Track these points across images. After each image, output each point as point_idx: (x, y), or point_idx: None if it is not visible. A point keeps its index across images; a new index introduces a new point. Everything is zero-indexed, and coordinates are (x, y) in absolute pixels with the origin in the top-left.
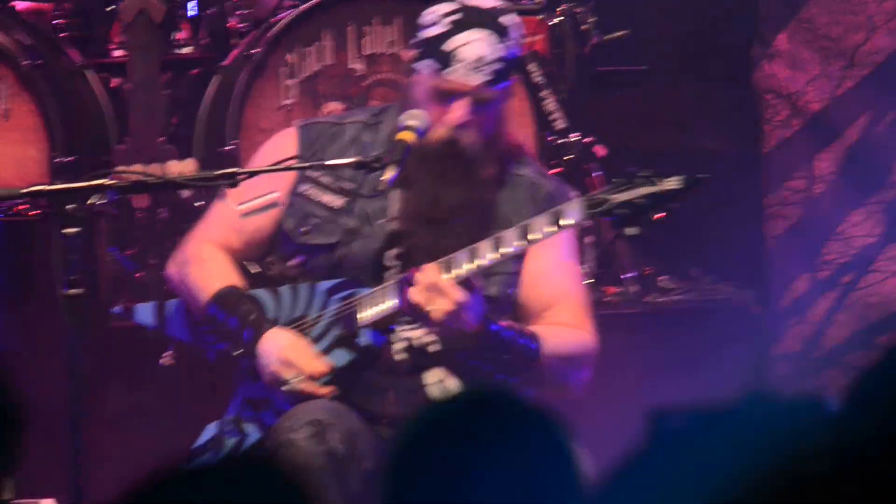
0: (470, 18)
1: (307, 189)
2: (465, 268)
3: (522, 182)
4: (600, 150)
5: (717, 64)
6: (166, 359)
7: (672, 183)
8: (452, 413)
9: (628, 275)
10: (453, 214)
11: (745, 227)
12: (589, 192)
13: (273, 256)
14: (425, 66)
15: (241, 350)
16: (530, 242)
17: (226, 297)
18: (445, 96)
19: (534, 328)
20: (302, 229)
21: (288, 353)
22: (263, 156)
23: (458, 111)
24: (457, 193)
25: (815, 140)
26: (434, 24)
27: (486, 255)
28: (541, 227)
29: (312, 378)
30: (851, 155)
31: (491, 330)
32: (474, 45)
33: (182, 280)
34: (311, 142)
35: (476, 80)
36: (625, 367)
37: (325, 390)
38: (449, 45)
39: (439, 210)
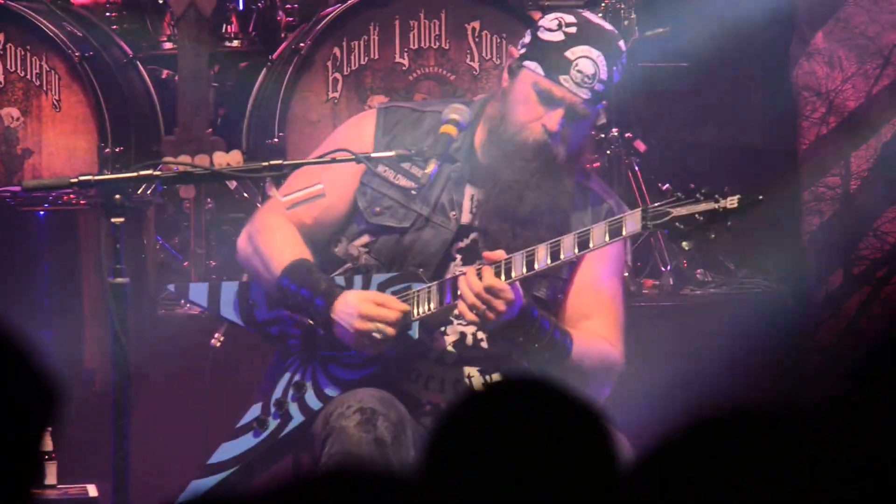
0: (590, 34)
1: (384, 171)
2: (522, 273)
3: (589, 195)
4: (640, 146)
5: (756, 61)
6: (216, 340)
7: (731, 202)
8: (491, 401)
9: (666, 268)
10: (533, 216)
11: (781, 222)
12: (631, 185)
13: (341, 234)
14: (533, 66)
15: (313, 320)
16: (587, 250)
17: (296, 269)
18: (548, 100)
19: (569, 329)
20: (376, 209)
21: (364, 308)
22: (341, 135)
23: (557, 118)
24: (540, 197)
25: (850, 137)
26: (554, 30)
27: (544, 260)
28: (599, 236)
29: (394, 325)
30: (886, 152)
31: (531, 314)
32: (589, 62)
33: (254, 250)
34: (391, 126)
35: (582, 94)
36: (662, 358)
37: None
38: (569, 53)
39: (522, 209)
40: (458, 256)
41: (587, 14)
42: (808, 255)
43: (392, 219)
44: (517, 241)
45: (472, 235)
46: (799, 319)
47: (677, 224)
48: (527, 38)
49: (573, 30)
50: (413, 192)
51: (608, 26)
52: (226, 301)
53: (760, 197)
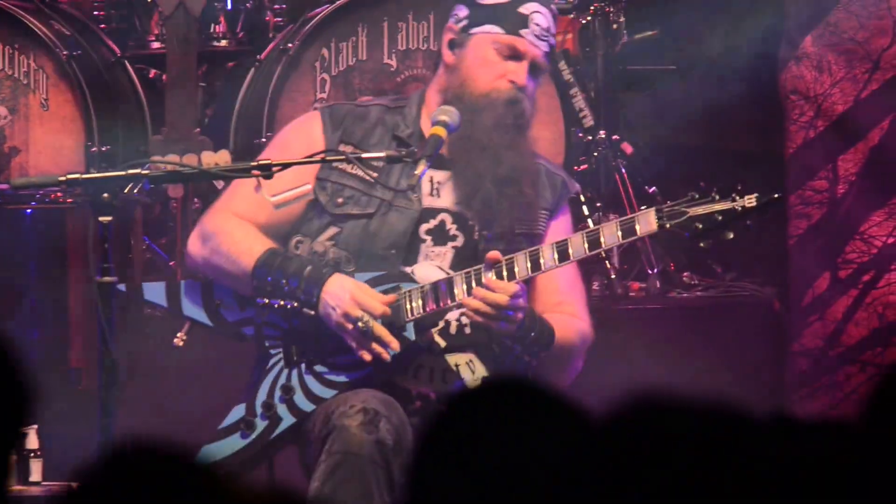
0: None
1: (340, 163)
2: (527, 272)
3: (542, 169)
4: (627, 148)
5: (744, 64)
6: (179, 339)
7: (749, 200)
8: (479, 401)
9: (653, 270)
10: (514, 175)
11: (767, 226)
12: (618, 188)
13: (299, 235)
14: (487, 29)
15: (298, 303)
16: (597, 250)
17: (272, 259)
18: (513, 56)
19: (546, 316)
20: (338, 200)
21: (357, 293)
22: (288, 137)
23: (524, 70)
24: (517, 156)
25: (838, 141)
26: None
27: (549, 262)
28: (610, 235)
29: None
30: (874, 156)
31: (521, 323)
32: (542, 17)
33: (211, 253)
34: (339, 120)
35: (542, 46)
36: (647, 360)
37: (394, 342)
38: (522, 9)
39: (501, 169)
40: (428, 238)
41: None
42: (794, 259)
43: (356, 206)
44: (501, 203)
45: (440, 216)
46: (785, 323)
47: (696, 224)
48: (462, 12)
49: None
50: (373, 179)
51: None
52: (188, 300)
53: (777, 195)
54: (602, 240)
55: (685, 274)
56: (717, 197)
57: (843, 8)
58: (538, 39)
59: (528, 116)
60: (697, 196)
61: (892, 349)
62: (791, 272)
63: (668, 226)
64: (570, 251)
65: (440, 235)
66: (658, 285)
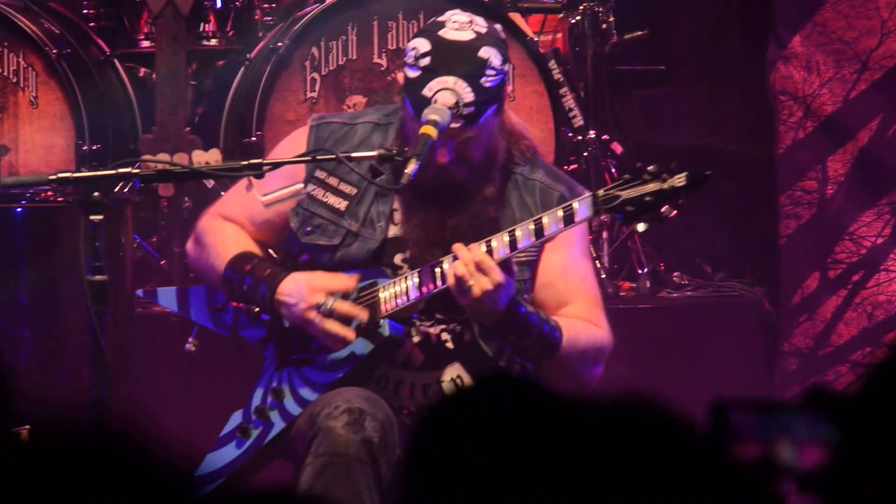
0: (444, 60)
1: (313, 189)
2: (506, 254)
3: (535, 186)
4: (617, 148)
5: (734, 65)
6: (190, 345)
7: (679, 180)
8: (472, 402)
9: (643, 270)
10: (457, 235)
11: (757, 226)
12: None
13: (281, 253)
14: (408, 104)
15: (260, 309)
16: (542, 239)
17: (240, 260)
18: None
19: (556, 319)
20: (307, 229)
21: (313, 280)
22: (280, 153)
23: (443, 155)
24: (459, 216)
25: (828, 142)
26: (412, 64)
27: (503, 248)
28: (553, 224)
29: (346, 296)
30: (863, 157)
31: (520, 311)
32: (447, 94)
33: (199, 252)
34: (322, 141)
35: (455, 124)
36: (637, 360)
37: (361, 313)
38: (426, 91)
39: (445, 232)
40: (405, 266)
41: (445, 30)
42: (784, 259)
43: (323, 237)
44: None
45: (408, 252)
46: (775, 323)
47: (628, 207)
48: (402, 69)
49: (427, 61)
50: (342, 209)
51: (466, 34)
52: (196, 305)
53: (708, 173)
54: (545, 230)
55: (675, 274)
56: (649, 178)
57: (831, 8)
58: (450, 119)
59: (466, 180)
60: (630, 178)
61: (881, 349)
62: (781, 272)
63: (602, 210)
64: (518, 239)
65: (417, 263)
66: (648, 285)
